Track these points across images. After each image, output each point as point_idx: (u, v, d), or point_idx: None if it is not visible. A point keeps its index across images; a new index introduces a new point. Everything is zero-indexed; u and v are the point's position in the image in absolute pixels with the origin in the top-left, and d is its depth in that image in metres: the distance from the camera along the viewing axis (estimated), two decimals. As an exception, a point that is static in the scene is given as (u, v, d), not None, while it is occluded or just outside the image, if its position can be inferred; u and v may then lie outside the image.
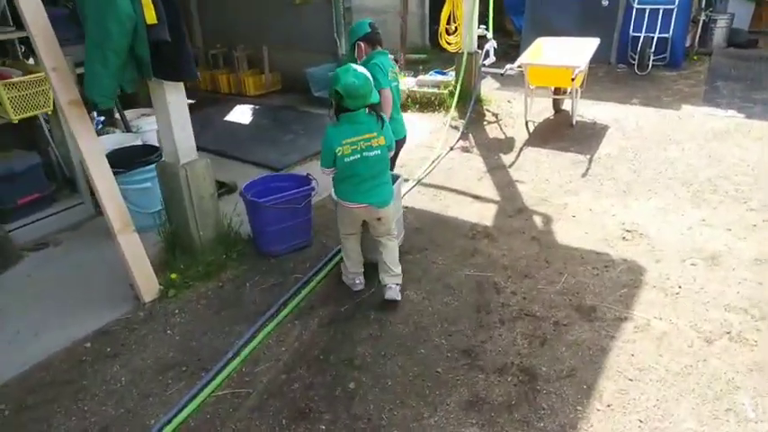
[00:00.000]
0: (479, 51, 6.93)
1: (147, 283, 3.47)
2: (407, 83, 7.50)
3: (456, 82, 6.84)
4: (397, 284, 3.42)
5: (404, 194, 4.88)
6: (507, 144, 6.01)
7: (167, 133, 3.52)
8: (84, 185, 4.43)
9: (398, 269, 3.44)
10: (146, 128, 5.26)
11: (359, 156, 3.08)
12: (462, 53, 6.77)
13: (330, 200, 3.60)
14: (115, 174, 4.09)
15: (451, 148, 5.91)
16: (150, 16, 2.95)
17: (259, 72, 8.49)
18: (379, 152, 3.12)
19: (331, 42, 7.86)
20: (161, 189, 3.75)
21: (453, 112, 6.77)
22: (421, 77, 7.51)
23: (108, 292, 3.56)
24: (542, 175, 5.16)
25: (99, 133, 4.99)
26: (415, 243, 4.09)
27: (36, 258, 4.06)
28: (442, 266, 3.80)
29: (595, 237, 4.09)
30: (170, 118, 3.44)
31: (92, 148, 3.25)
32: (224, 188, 4.90)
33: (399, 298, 3.40)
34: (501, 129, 6.48)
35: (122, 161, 4.21)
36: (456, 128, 6.46)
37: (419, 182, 5.14)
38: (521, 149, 5.82)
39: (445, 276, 3.69)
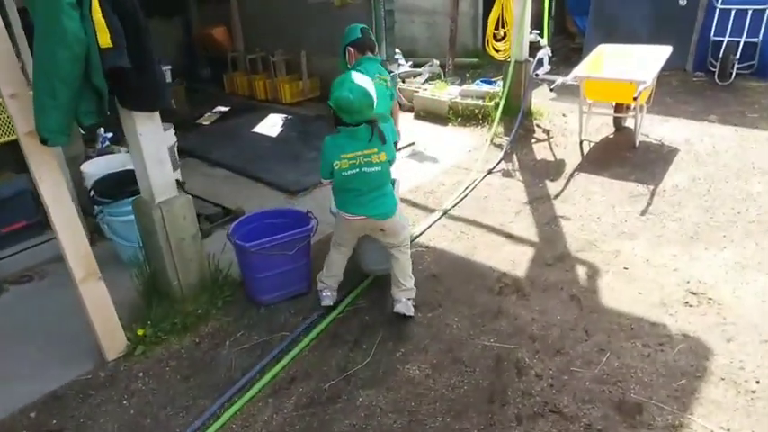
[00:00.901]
0: (530, 60, 6.17)
1: (113, 339, 3.05)
2: (450, 92, 6.84)
3: (502, 93, 6.12)
4: (409, 299, 3.26)
5: (427, 228, 4.28)
6: (556, 168, 5.25)
7: (140, 168, 3.09)
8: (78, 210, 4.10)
9: (410, 283, 3.28)
10: (155, 145, 4.90)
11: (357, 171, 2.93)
12: (514, 61, 6.05)
13: (330, 213, 3.46)
14: (99, 204, 3.78)
15: (490, 172, 5.22)
16: (104, 39, 2.49)
17: (297, 78, 8.06)
18: (379, 168, 2.97)
19: (370, 48, 7.29)
20: (138, 228, 3.33)
21: (497, 128, 6.07)
22: (465, 87, 6.83)
23: (75, 343, 3.17)
24: (593, 211, 4.40)
25: (101, 153, 4.68)
26: (428, 296, 3.48)
27: (16, 293, 3.76)
28: (455, 331, 3.18)
29: (651, 299, 3.34)
30: (142, 152, 3.00)
31: (52, 186, 2.84)
32: (228, 216, 4.47)
33: (411, 313, 3.24)
34: (551, 148, 5.71)
35: (111, 189, 3.85)
36: (499, 146, 5.76)
37: (446, 213, 4.51)
38: (571, 175, 5.05)
39: (458, 346, 3.06)
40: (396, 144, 3.34)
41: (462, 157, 5.63)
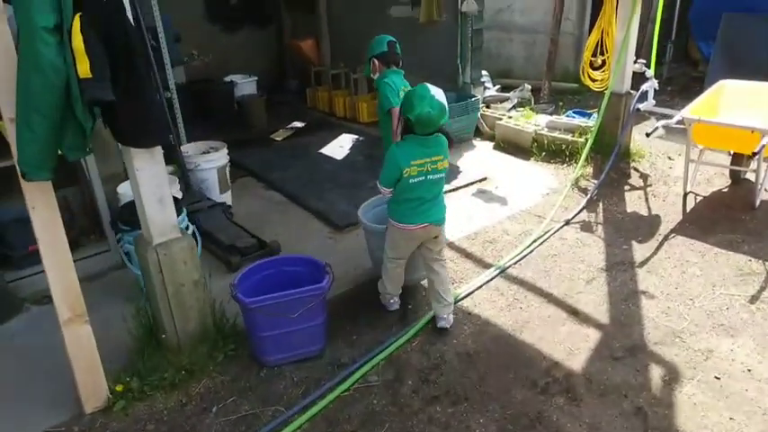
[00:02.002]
0: (632, 93, 5.32)
1: (93, 390, 2.78)
2: (538, 122, 6.12)
3: (594, 128, 5.33)
4: (450, 314, 3.30)
5: (475, 289, 3.67)
6: (648, 225, 4.40)
7: (139, 206, 2.79)
8: (109, 230, 3.96)
9: (451, 298, 3.32)
10: (203, 166, 4.71)
11: (423, 178, 2.99)
12: (611, 93, 5.24)
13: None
14: (119, 231, 3.57)
15: (567, 222, 4.48)
16: (83, 68, 2.19)
17: (372, 97, 7.68)
18: (442, 175, 3.07)
19: (453, 69, 6.76)
20: (140, 268, 3.05)
21: (586, 169, 5.28)
22: (553, 118, 6.06)
23: (63, 383, 2.93)
24: (685, 289, 3.56)
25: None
26: (454, 382, 2.89)
27: (35, 314, 3.64)
28: (477, 438, 2.58)
29: (748, 431, 2.52)
30: (139, 189, 2.70)
31: (45, 215, 2.61)
32: (262, 250, 4.13)
33: (449, 324, 3.30)
34: (647, 199, 4.85)
35: (135, 215, 3.63)
36: (584, 191, 4.98)
37: (503, 271, 3.86)
38: (665, 237, 4.19)
39: (474, 461, 2.46)
40: None
41: (538, 200, 4.92)
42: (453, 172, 5.57)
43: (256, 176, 5.76)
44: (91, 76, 2.21)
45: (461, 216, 4.66)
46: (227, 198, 4.95)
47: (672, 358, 2.98)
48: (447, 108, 2.91)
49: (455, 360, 3.04)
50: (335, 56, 8.78)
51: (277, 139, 7.17)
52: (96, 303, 3.42)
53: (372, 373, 2.99)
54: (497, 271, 3.86)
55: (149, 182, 2.72)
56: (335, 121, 7.74)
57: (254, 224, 4.62)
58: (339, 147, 6.56)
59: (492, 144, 6.32)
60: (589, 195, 4.85)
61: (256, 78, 8.48)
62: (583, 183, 5.16)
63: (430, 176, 2.99)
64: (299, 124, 7.68)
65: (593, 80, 5.53)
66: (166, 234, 2.85)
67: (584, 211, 4.67)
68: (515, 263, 3.96)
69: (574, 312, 3.41)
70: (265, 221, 4.73)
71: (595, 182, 5.07)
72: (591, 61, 5.47)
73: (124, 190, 4.00)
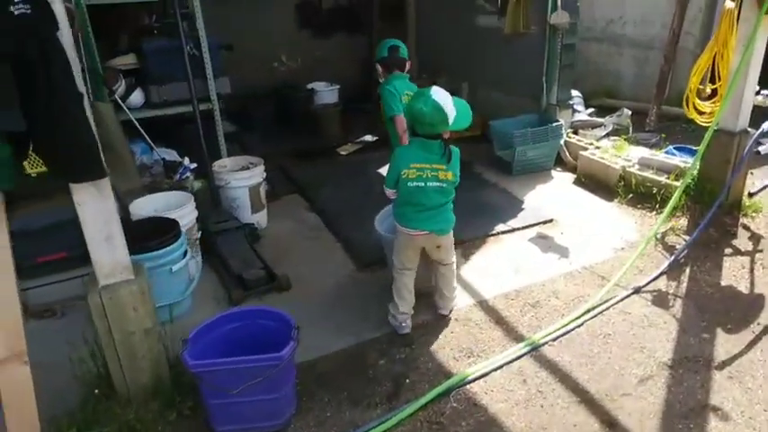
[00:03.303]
0: (750, 131, 4.25)
1: (24, 438, 2.54)
2: (630, 157, 5.17)
3: (691, 171, 4.33)
4: (450, 308, 3.45)
5: (494, 369, 3.00)
6: (746, 308, 3.42)
7: (85, 242, 2.49)
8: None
9: (453, 293, 3.43)
10: (233, 184, 4.43)
11: (422, 184, 2.99)
12: (719, 129, 4.22)
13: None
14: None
15: (637, 290, 3.62)
16: (-12, 93, 1.91)
17: (454, 112, 7.06)
18: (444, 185, 3.03)
19: (536, 88, 5.97)
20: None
21: (678, 220, 4.32)
22: (648, 154, 5.07)
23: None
24: (778, 413, 2.63)
25: (173, 187, 4.32)
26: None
27: (31, 329, 3.53)
28: None
29: None
30: (83, 226, 2.40)
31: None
32: (270, 284, 3.74)
33: (448, 312, 3.45)
34: (752, 270, 3.82)
35: (137, 237, 3.37)
36: (670, 249, 4.05)
37: (534, 349, 3.14)
38: (765, 330, 3.21)
39: None
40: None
41: (608, 255, 4.07)
42: (515, 208, 4.85)
43: (304, 194, 5.42)
44: (-5, 102, 1.92)
45: (507, 267, 3.96)
46: (260, 218, 4.65)
47: None
48: (446, 111, 2.87)
49: (435, 470, 2.43)
50: (421, 67, 8.26)
51: (342, 153, 6.81)
52: (56, 335, 3.26)
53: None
54: (528, 348, 3.14)
55: (94, 218, 2.40)
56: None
57: (277, 252, 4.28)
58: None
59: (573, 177, 5.47)
60: (674, 257, 3.91)
61: (338, 87, 8.21)
62: (671, 238, 4.21)
63: (429, 183, 2.98)
64: (369, 138, 7.27)
65: (701, 113, 4.49)
66: (114, 276, 2.53)
67: (664, 276, 3.76)
68: (554, 339, 3.22)
69: (610, 424, 2.63)
70: (291, 249, 4.35)
71: (687, 239, 4.10)
72: (698, 89, 4.45)
73: (138, 209, 3.80)
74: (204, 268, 4.02)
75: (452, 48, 7.42)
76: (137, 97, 4.45)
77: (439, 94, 2.91)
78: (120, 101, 4.24)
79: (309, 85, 8.14)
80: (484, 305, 3.55)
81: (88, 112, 2.14)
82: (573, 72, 5.87)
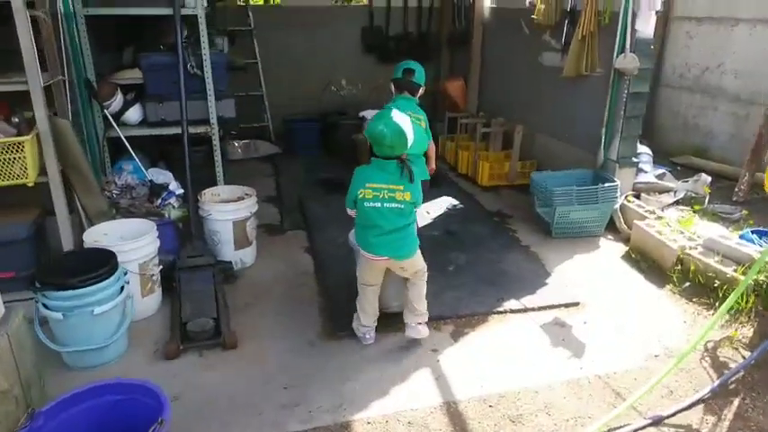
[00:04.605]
0: None
1: None
2: (696, 236, 4.22)
3: (757, 266, 3.36)
4: (419, 323, 3.28)
5: None
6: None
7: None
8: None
9: (422, 307, 3.28)
10: (215, 216, 4.04)
11: (379, 204, 2.98)
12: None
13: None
14: (34, 289, 3.00)
15: (657, 422, 2.75)
16: None
17: (505, 157, 6.33)
18: (402, 206, 3.00)
19: (595, 139, 5.14)
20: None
21: (739, 328, 3.37)
22: (715, 237, 4.07)
23: None
24: None
25: (150, 212, 3.99)
26: None
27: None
28: None
29: None
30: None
31: None
32: (213, 340, 3.26)
33: (422, 336, 3.28)
34: (832, 416, 2.81)
35: (68, 270, 3.03)
36: (720, 367, 3.12)
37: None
38: None
39: None
40: (426, 183, 3.58)
41: (635, 362, 3.20)
42: (539, 281, 4.07)
43: (310, 231, 4.95)
44: None
45: (500, 359, 3.22)
46: (245, 256, 4.22)
47: None
48: (407, 136, 2.92)
49: None
50: (483, 102, 7.61)
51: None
52: None
53: None
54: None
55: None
56: (453, 178, 6.57)
57: (248, 298, 3.83)
58: (426, 212, 5.40)
59: (624, 250, 4.57)
60: (723, 379, 2.99)
61: (391, 116, 7.74)
62: (725, 351, 3.26)
63: (387, 204, 2.97)
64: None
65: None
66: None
67: (701, 405, 2.86)
68: (524, 476, 2.45)
69: None
70: (264, 296, 3.87)
71: (746, 356, 3.15)
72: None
73: (90, 237, 3.48)
74: (165, 302, 3.67)
75: (513, 86, 6.73)
76: (133, 114, 4.20)
77: (399, 117, 2.93)
78: (109, 116, 3.99)
79: (362, 113, 7.72)
80: (452, 409, 2.84)
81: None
82: (640, 125, 4.98)
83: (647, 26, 4.46)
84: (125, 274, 3.20)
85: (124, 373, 3.02)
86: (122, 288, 3.15)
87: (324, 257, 4.39)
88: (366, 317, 3.30)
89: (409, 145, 2.97)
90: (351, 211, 3.18)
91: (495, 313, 3.67)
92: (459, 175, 6.62)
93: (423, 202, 3.15)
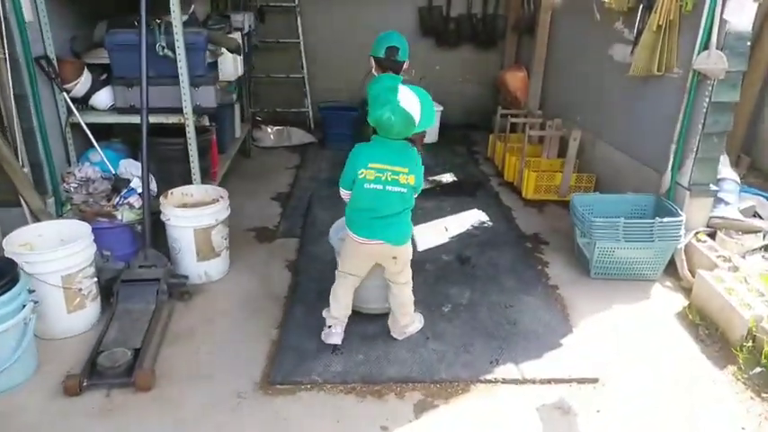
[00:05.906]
0: None
1: None
2: (738, 262, 3.15)
3: None
4: (404, 333, 3.11)
5: None
6: None
7: None
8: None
9: (407, 319, 3.09)
10: (173, 221, 3.50)
11: (380, 187, 2.72)
12: None
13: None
14: None
15: None
16: None
17: (556, 167, 5.35)
18: (404, 190, 2.75)
19: (660, 157, 4.09)
20: None
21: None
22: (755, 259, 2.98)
23: None
24: None
25: (101, 213, 3.53)
26: None
27: None
28: None
29: None
30: None
31: None
32: (124, 379, 2.73)
33: (402, 338, 3.12)
34: None
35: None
36: None
37: None
38: None
39: None
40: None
41: (660, 398, 2.31)
42: (553, 339, 3.20)
43: (303, 240, 4.32)
44: None
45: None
46: (210, 269, 3.67)
47: None
48: (414, 117, 2.62)
49: None
50: (545, 100, 6.59)
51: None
52: None
53: None
54: None
55: None
56: (495, 186, 5.68)
57: (194, 323, 3.27)
58: (445, 228, 4.59)
59: (683, 304, 3.56)
60: None
61: (441, 109, 6.92)
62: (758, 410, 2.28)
63: (388, 187, 2.73)
64: (447, 178, 5.88)
65: None
66: None
67: None
68: None
69: None
70: (214, 322, 3.29)
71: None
72: None
73: (12, 243, 3.02)
74: (103, 319, 3.21)
75: (576, 82, 5.68)
76: (103, 98, 3.75)
77: (407, 100, 2.62)
78: (68, 100, 3.55)
79: (408, 103, 6.95)
80: None
81: None
82: (723, 144, 3.85)
83: (741, 16, 3.35)
84: (31, 292, 2.73)
85: (11, 407, 2.59)
86: (24, 306, 2.68)
87: (303, 278, 3.75)
88: (337, 307, 3.05)
89: (417, 124, 2.67)
90: (345, 193, 2.87)
91: (481, 382, 2.85)
92: (504, 183, 5.71)
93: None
